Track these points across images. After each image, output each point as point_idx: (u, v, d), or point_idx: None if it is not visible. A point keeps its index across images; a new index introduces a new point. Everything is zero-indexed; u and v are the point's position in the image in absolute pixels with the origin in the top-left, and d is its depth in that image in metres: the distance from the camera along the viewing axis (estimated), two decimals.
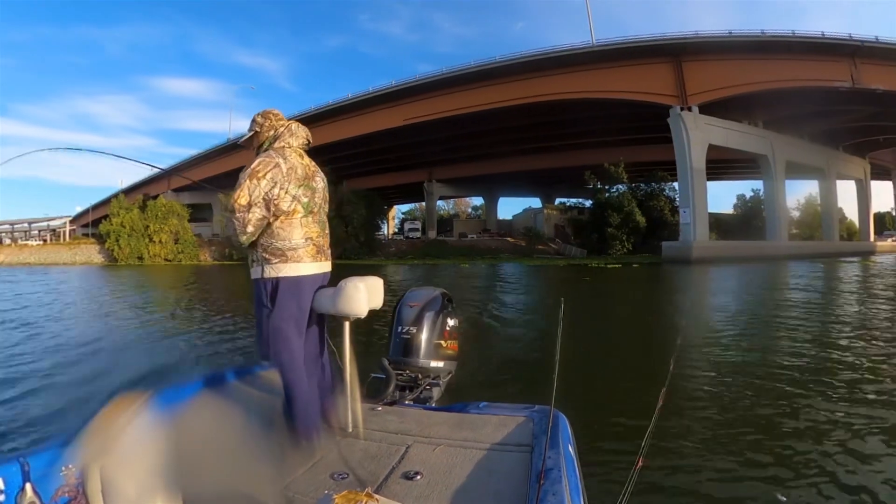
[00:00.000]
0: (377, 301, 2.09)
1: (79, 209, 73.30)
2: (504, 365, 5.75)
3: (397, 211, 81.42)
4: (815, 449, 3.33)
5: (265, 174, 1.92)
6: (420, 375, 2.76)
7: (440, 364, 2.82)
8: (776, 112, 38.37)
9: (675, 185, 41.50)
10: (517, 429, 1.98)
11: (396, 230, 71.52)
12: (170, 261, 50.44)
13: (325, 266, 2.11)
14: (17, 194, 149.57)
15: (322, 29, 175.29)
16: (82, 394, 4.69)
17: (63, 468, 1.20)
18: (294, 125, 2.14)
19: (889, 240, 59.94)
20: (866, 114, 38.85)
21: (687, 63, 35.90)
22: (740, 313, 10.43)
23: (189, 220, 53.09)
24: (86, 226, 68.59)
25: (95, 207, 66.20)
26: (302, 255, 2.00)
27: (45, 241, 68.67)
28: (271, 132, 2.10)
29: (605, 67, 36.70)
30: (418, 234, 60.10)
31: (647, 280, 22.35)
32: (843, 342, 6.89)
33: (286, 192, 1.96)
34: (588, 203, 51.66)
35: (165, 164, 61.30)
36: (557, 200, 62.84)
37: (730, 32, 34.29)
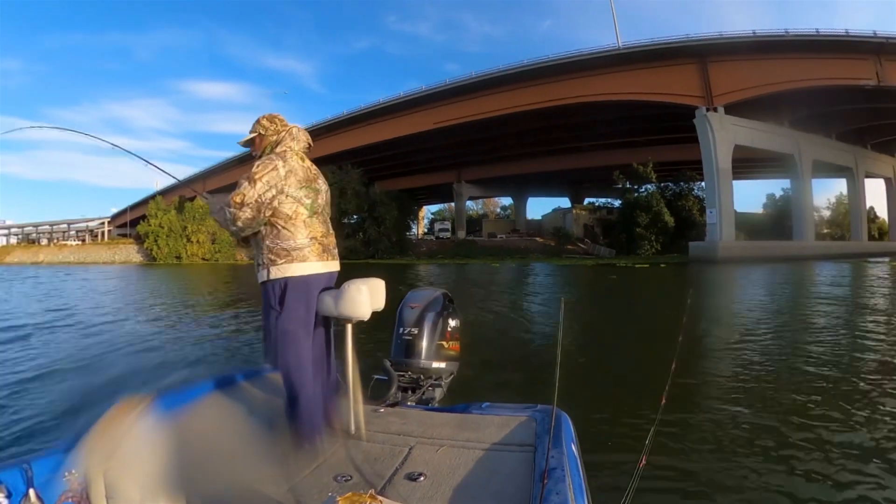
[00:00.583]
0: (379, 303, 2.10)
1: (114, 210, 75.56)
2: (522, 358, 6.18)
3: (427, 211, 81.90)
4: (816, 450, 3.30)
5: (261, 177, 1.96)
6: (422, 376, 2.77)
7: (442, 365, 2.83)
8: (802, 111, 38.25)
9: (703, 184, 41.51)
10: (520, 428, 1.99)
11: (426, 230, 72.04)
12: (207, 260, 52.20)
13: (331, 265, 2.12)
14: (54, 196, 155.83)
15: (350, 30, 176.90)
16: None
17: (66, 473, 1.20)
18: (295, 129, 2.18)
19: None
20: (893, 111, 38.42)
21: (712, 64, 36.05)
22: (749, 313, 10.38)
23: None
24: (122, 226, 70.90)
25: (133, 208, 68.40)
26: (307, 254, 2.02)
27: (83, 241, 71.08)
28: (274, 137, 2.14)
29: (630, 70, 37.03)
30: (448, 235, 60.58)
31: (671, 279, 22.23)
32: (851, 347, 6.68)
33: (286, 196, 1.99)
34: (617, 203, 51.72)
35: (199, 167, 63.18)
36: (586, 200, 62.77)
37: (754, 32, 34.35)
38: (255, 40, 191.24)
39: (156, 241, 53.16)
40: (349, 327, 2.07)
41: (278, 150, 2.09)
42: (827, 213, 52.30)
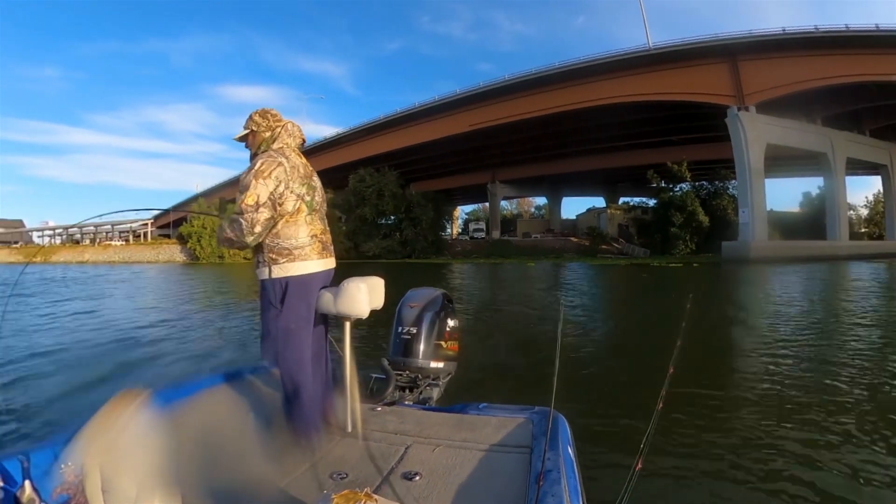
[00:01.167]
0: (378, 301, 2.10)
1: (156, 212, 77.71)
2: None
3: (461, 211, 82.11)
4: (817, 452, 3.30)
5: (270, 173, 1.91)
6: (420, 376, 2.78)
7: (440, 365, 2.83)
8: (834, 108, 37.96)
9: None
10: (516, 430, 1.98)
11: (461, 230, 72.47)
12: (248, 259, 53.05)
13: (329, 263, 2.12)
14: (98, 199, 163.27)
15: (383, 32, 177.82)
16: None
17: (62, 466, 1.19)
18: (290, 125, 2.13)
19: None
20: None
21: (742, 62, 35.86)
22: (767, 313, 10.42)
23: None
24: (164, 227, 73.35)
25: (175, 209, 70.70)
26: (309, 252, 2.01)
27: (126, 241, 73.27)
28: (268, 133, 2.08)
29: (661, 70, 37.12)
30: (483, 235, 60.78)
31: (702, 279, 21.97)
32: (861, 350, 6.56)
33: (291, 192, 1.96)
34: (651, 202, 51.12)
35: (237, 170, 65.11)
36: (621, 200, 62.12)
37: (783, 30, 34.09)
38: (289, 45, 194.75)
39: (199, 241, 54.96)
40: (347, 325, 2.06)
41: (275, 146, 2.06)
42: (864, 212, 50.96)
